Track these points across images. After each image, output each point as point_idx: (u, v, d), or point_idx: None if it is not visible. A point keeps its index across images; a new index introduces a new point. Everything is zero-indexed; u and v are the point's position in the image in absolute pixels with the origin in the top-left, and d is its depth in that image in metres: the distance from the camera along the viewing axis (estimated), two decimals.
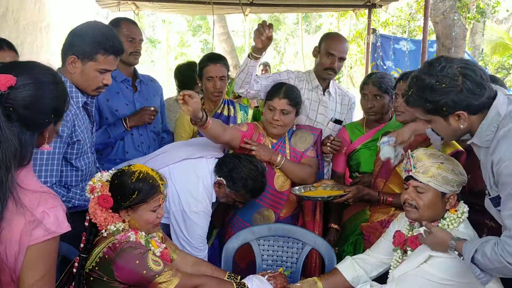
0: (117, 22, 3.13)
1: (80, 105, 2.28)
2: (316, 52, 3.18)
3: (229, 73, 3.37)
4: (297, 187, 2.79)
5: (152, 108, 3.05)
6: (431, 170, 2.02)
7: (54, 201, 1.40)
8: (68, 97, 1.52)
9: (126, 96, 3.08)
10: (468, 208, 2.07)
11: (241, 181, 2.57)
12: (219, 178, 2.60)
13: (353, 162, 3.00)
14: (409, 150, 2.14)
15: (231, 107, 3.36)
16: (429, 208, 2.05)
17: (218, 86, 3.18)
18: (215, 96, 3.24)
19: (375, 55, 7.37)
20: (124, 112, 3.04)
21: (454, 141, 2.51)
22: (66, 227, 1.40)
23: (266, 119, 2.81)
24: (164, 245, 2.14)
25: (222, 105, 3.34)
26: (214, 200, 2.64)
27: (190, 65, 4.14)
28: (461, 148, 2.46)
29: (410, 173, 2.07)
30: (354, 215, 2.92)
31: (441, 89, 1.73)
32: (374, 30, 7.56)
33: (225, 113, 3.32)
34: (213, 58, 3.30)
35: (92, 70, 2.23)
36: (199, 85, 3.35)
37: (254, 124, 2.92)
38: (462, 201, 2.10)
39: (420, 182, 2.04)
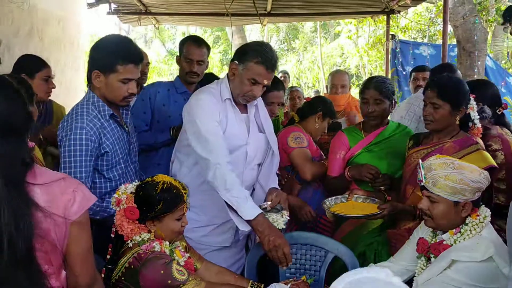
0: (184, 41, 3.31)
1: (108, 117, 2.36)
2: None
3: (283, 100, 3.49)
4: (327, 200, 2.76)
5: None
6: (439, 181, 2.01)
7: (75, 180, 1.58)
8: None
9: (182, 107, 3.12)
10: (490, 212, 2.05)
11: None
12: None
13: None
14: (420, 160, 2.13)
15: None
16: (443, 217, 2.04)
17: (276, 111, 3.22)
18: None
19: (395, 61, 7.33)
20: (176, 120, 3.09)
21: (487, 155, 2.47)
22: (94, 198, 1.58)
23: (321, 129, 3.37)
24: (188, 255, 2.17)
25: None
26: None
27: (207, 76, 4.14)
28: (495, 164, 2.43)
29: (422, 183, 2.07)
30: (348, 233, 2.89)
31: None
32: (393, 36, 7.51)
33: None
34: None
35: (115, 82, 2.31)
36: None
37: (301, 129, 3.30)
38: (483, 205, 2.08)
39: (431, 192, 2.04)
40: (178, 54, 3.40)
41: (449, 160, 2.07)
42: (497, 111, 3.03)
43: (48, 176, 1.49)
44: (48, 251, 1.46)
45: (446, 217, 2.03)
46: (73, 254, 1.52)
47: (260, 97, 2.67)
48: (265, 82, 2.45)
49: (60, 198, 1.47)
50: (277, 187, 2.72)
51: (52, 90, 3.35)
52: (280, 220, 2.41)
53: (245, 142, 2.58)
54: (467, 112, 2.57)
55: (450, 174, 2.00)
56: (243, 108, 2.64)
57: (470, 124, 2.62)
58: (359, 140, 2.96)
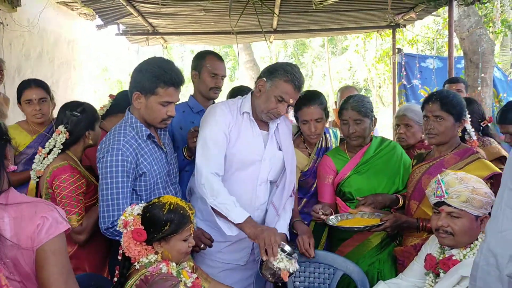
0: (203, 56, 3.20)
1: (145, 138, 2.39)
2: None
3: None
4: (333, 216, 2.67)
5: (192, 130, 2.81)
6: (464, 195, 1.99)
7: (48, 206, 1.51)
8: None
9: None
10: None
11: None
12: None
13: (346, 190, 2.83)
14: (438, 175, 2.11)
15: (327, 135, 3.17)
16: (465, 233, 2.03)
17: (313, 130, 2.90)
18: (312, 139, 2.98)
19: (401, 75, 7.34)
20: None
21: (489, 163, 2.48)
22: (65, 226, 1.51)
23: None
24: (195, 275, 2.17)
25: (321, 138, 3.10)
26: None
27: (236, 91, 3.75)
28: (499, 171, 2.42)
29: (443, 199, 2.04)
30: (347, 254, 2.79)
31: None
32: (400, 50, 7.54)
33: (323, 145, 3.10)
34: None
35: (155, 104, 2.34)
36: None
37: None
38: None
39: (455, 208, 2.01)
40: (193, 70, 3.18)
41: (467, 175, 2.06)
42: (481, 124, 3.36)
43: (19, 198, 1.49)
44: (22, 280, 1.45)
45: (469, 233, 2.02)
46: (44, 281, 1.47)
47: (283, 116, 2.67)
48: (291, 101, 2.49)
49: (28, 223, 1.44)
50: (292, 208, 2.67)
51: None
52: (290, 267, 2.27)
53: (261, 158, 2.59)
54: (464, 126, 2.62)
55: (475, 188, 2.00)
56: (264, 125, 2.65)
57: (467, 137, 2.68)
58: (345, 163, 2.86)
